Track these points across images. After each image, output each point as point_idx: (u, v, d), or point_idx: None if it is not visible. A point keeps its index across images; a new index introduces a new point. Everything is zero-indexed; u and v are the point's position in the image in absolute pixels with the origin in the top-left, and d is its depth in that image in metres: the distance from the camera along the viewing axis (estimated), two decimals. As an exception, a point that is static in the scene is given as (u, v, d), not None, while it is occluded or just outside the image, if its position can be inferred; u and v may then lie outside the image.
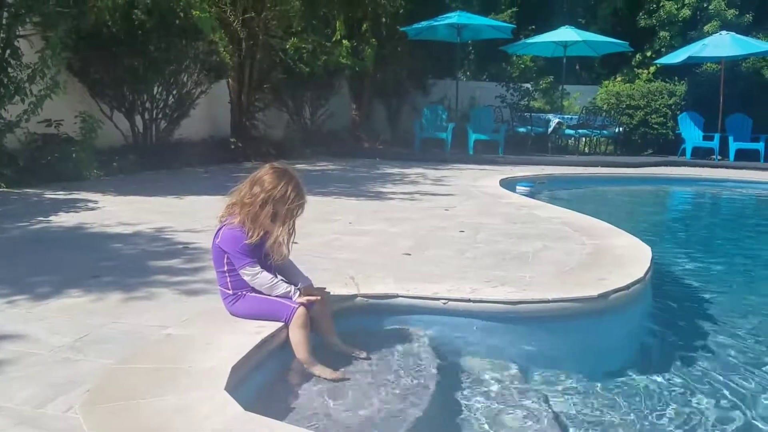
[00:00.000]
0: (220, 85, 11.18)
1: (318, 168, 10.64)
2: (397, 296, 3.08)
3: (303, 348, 2.57)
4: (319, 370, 2.54)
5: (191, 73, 9.85)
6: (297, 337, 2.59)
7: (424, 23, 14.31)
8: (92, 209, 5.73)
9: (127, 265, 3.73)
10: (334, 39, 12.75)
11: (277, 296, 2.68)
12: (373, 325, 3.03)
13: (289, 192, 2.65)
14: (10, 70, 7.17)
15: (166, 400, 1.99)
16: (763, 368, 3.27)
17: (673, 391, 2.97)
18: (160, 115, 9.73)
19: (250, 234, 2.65)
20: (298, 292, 2.70)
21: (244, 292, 2.73)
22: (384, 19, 14.38)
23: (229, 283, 2.74)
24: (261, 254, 2.73)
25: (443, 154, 13.65)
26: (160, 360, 2.30)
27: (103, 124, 8.60)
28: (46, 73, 7.27)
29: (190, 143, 10.64)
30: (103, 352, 2.39)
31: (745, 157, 13.55)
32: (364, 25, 14.26)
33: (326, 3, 11.85)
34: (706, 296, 4.63)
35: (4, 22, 7.11)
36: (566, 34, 14.74)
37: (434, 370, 2.63)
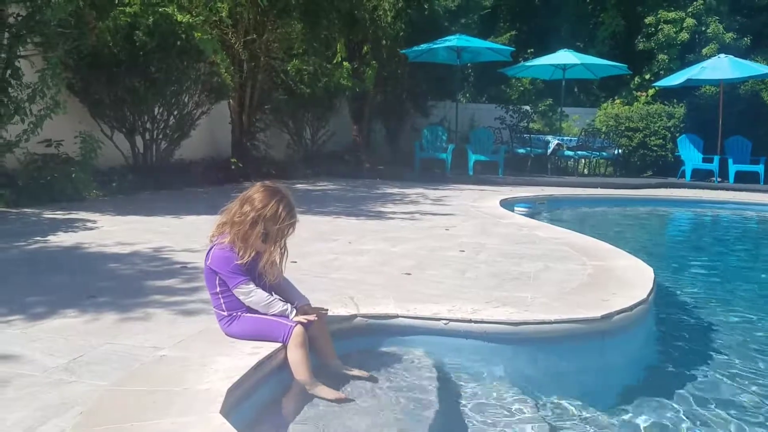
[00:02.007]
0: (221, 106, 11.22)
1: (318, 188, 10.63)
2: (397, 316, 3.04)
3: (303, 368, 2.52)
4: (321, 390, 2.48)
5: (192, 93, 9.88)
6: (296, 356, 2.53)
7: (424, 46, 14.42)
8: (90, 229, 5.70)
9: (123, 286, 3.69)
10: (335, 61, 12.82)
11: (273, 315, 2.63)
12: (373, 345, 2.98)
13: (279, 211, 2.59)
14: (10, 90, 7.18)
15: (159, 423, 1.94)
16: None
17: (676, 413, 2.91)
18: (160, 136, 9.74)
19: (241, 254, 2.61)
20: (295, 311, 2.65)
21: (239, 313, 2.68)
22: (384, 42, 14.50)
23: (223, 305, 2.69)
24: (255, 273, 2.69)
25: (443, 175, 13.66)
26: (155, 382, 2.25)
27: (103, 145, 8.60)
28: (46, 93, 7.27)
29: (191, 164, 10.64)
30: (97, 373, 2.34)
31: (745, 180, 13.56)
32: (365, 48, 14.37)
33: (327, 26, 11.93)
34: (709, 318, 4.57)
35: (5, 42, 7.14)
36: (565, 57, 14.85)
37: (435, 392, 2.58)
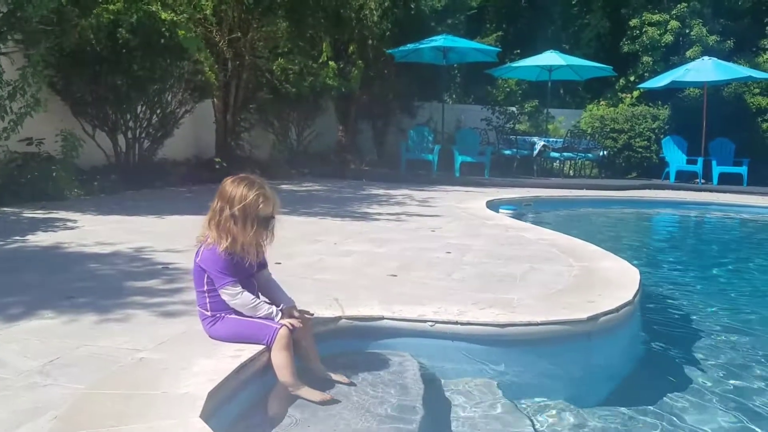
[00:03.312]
0: (205, 105, 11.12)
1: (304, 189, 10.56)
2: (383, 318, 3.00)
3: (287, 371, 2.47)
4: (306, 392, 2.44)
5: (176, 92, 9.79)
6: (280, 359, 2.48)
7: (410, 46, 14.40)
8: (71, 228, 5.60)
9: (103, 286, 3.61)
10: (320, 60, 12.77)
11: (258, 318, 2.59)
12: (358, 347, 2.94)
13: (245, 192, 2.56)
14: (-10, 87, 7.06)
15: (137, 428, 1.89)
16: (756, 389, 3.21)
17: (662, 415, 2.90)
18: (143, 135, 9.64)
19: (222, 244, 2.56)
20: (280, 314, 2.61)
21: (223, 314, 2.63)
22: (371, 42, 14.46)
23: (208, 305, 2.64)
24: (244, 275, 2.64)
25: (429, 176, 13.64)
26: (133, 385, 2.19)
27: (84, 143, 8.48)
28: (26, 91, 7.16)
29: (174, 163, 10.54)
30: (73, 376, 2.28)
31: (728, 181, 13.68)
32: (351, 47, 14.31)
33: (313, 25, 11.87)
34: (695, 318, 4.59)
35: (-15, 39, 7.02)
36: (551, 58, 14.91)
37: (420, 394, 2.54)
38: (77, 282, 3.69)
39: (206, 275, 2.63)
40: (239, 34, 11.05)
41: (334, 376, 2.61)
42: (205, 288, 2.64)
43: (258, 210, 2.57)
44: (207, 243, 2.62)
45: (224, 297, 2.60)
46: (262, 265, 2.79)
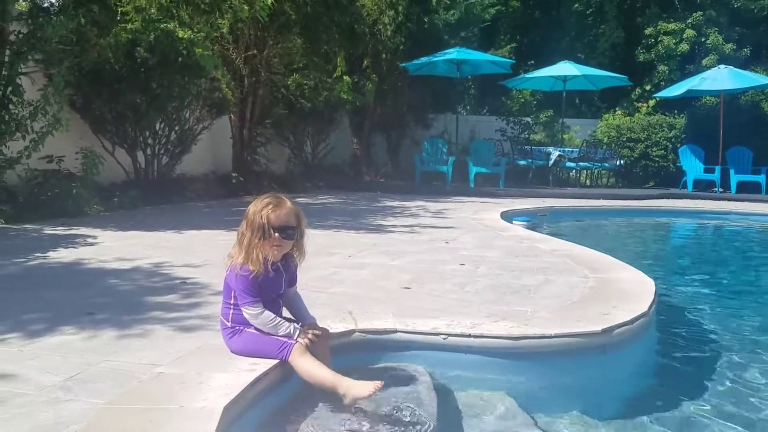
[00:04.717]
0: (222, 121, 11.27)
1: (319, 201, 10.63)
2: (396, 331, 3.02)
3: (319, 372, 2.50)
4: (351, 387, 2.44)
5: (193, 109, 9.95)
6: (304, 366, 2.52)
7: (424, 59, 14.49)
8: (91, 245, 5.70)
9: (122, 302, 3.68)
10: (335, 75, 12.89)
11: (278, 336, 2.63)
12: (372, 361, 2.96)
13: (257, 203, 2.63)
14: (11, 107, 7.22)
15: (155, 441, 1.92)
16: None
17: (677, 429, 2.88)
18: (162, 151, 9.79)
19: (237, 257, 2.62)
20: (298, 331, 2.64)
21: (242, 328, 2.68)
22: (385, 56, 14.58)
23: (231, 315, 2.69)
24: (270, 294, 2.69)
25: (444, 187, 13.67)
26: (151, 400, 2.23)
27: (104, 160, 8.62)
28: (48, 111, 7.32)
29: (192, 178, 10.67)
30: (93, 391, 2.33)
31: (747, 189, 13.55)
32: (365, 62, 14.44)
33: (327, 40, 12.00)
34: (712, 330, 4.54)
35: (6, 59, 7.18)
36: (565, 68, 14.91)
37: (434, 407, 2.56)
38: (97, 298, 3.76)
39: (233, 291, 2.68)
40: (255, 51, 11.21)
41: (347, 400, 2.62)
42: (232, 302, 2.69)
43: (266, 218, 2.60)
44: (233, 262, 2.67)
45: (245, 315, 2.65)
46: (292, 282, 2.83)
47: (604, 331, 3.09)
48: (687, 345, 4.23)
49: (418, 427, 2.40)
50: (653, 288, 4.00)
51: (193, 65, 9.10)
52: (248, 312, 2.63)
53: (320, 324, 2.79)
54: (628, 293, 3.93)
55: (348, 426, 2.37)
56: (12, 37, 7.21)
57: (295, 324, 2.68)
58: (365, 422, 2.40)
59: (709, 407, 3.16)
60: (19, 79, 7.28)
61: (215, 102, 10.25)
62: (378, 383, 2.45)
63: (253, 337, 2.65)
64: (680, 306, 5.23)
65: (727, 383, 3.50)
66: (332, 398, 2.52)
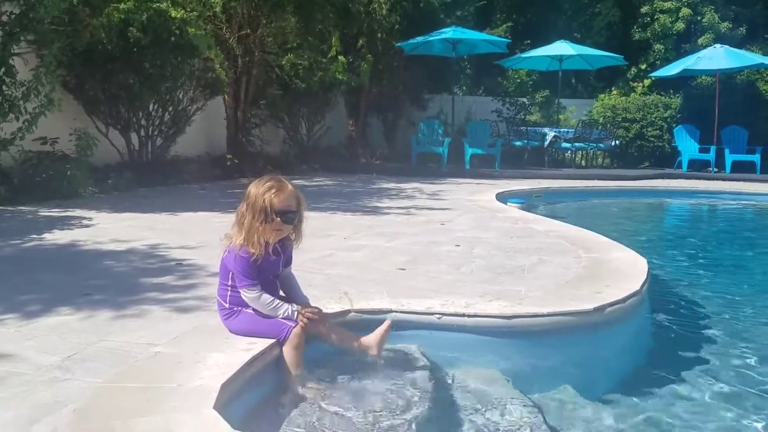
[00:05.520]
0: (215, 102, 11.21)
1: (314, 183, 10.63)
2: (391, 311, 3.05)
3: (296, 368, 2.56)
4: (307, 388, 2.51)
5: (187, 89, 9.88)
6: (291, 356, 2.58)
7: (419, 38, 14.40)
8: (86, 226, 5.70)
9: (118, 283, 3.69)
10: (330, 55, 12.80)
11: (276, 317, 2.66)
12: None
13: (258, 186, 2.64)
14: (4, 87, 7.17)
15: (153, 419, 1.95)
16: (764, 384, 3.23)
17: (669, 406, 2.93)
18: (155, 132, 9.74)
19: (237, 239, 2.63)
20: (297, 313, 2.67)
21: (240, 309, 2.70)
22: (380, 35, 14.47)
23: (228, 297, 2.72)
24: (268, 275, 2.72)
25: (439, 169, 13.67)
26: (148, 379, 2.26)
27: (98, 142, 8.59)
28: (40, 91, 7.27)
29: (186, 160, 10.64)
30: (90, 371, 2.35)
31: (741, 169, 13.59)
32: (360, 41, 14.33)
33: (322, 20, 11.90)
34: (704, 308, 4.60)
35: (-2, 40, 7.13)
36: (561, 48, 14.85)
37: (428, 385, 2.60)
38: (93, 279, 3.77)
39: (231, 273, 2.69)
40: (249, 31, 11.11)
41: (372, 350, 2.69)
42: (230, 283, 2.71)
43: (269, 202, 2.60)
44: (232, 243, 2.68)
45: (244, 297, 2.67)
46: (288, 263, 2.85)
47: (596, 310, 3.13)
48: (679, 322, 4.28)
49: (412, 406, 2.43)
50: (646, 267, 4.03)
51: (186, 45, 9.02)
52: (247, 295, 2.65)
53: (316, 305, 2.82)
54: (620, 272, 3.96)
55: (341, 405, 2.40)
56: (4, 18, 7.14)
57: (293, 306, 2.70)
58: (358, 402, 2.44)
59: (700, 384, 3.21)
60: (12, 60, 7.22)
61: (209, 82, 10.19)
62: (321, 394, 2.49)
63: (251, 318, 2.68)
64: (673, 285, 5.28)
65: (718, 361, 3.55)
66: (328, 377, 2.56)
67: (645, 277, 3.79)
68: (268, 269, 2.71)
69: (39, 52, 7.65)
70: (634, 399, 2.98)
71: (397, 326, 2.95)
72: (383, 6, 13.86)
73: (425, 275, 3.94)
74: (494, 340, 2.99)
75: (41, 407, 2.05)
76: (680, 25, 17.07)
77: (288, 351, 2.58)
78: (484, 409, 2.66)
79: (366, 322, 3.02)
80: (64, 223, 5.86)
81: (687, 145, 14.50)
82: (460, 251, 4.79)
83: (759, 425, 2.79)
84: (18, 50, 7.32)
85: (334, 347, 2.74)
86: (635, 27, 18.05)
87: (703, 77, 15.45)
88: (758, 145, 13.75)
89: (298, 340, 2.58)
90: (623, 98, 16.62)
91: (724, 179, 12.99)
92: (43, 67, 7.24)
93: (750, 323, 4.30)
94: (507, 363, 2.95)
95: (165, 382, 2.22)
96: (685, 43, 16.88)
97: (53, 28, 7.37)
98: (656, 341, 3.90)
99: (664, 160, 15.10)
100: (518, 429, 2.47)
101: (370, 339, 2.70)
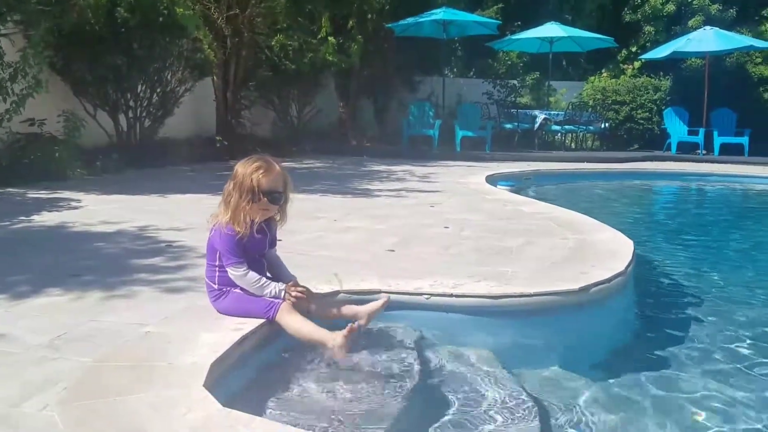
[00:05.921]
0: (204, 83, 11.13)
1: (304, 166, 10.61)
2: (380, 292, 3.08)
3: (306, 327, 2.59)
4: (338, 335, 2.53)
5: (175, 71, 9.80)
6: (291, 322, 2.60)
7: (410, 19, 14.30)
8: (75, 208, 5.69)
9: (108, 264, 3.70)
10: (319, 36, 12.71)
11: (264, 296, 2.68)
12: (356, 321, 3.01)
13: (245, 165, 2.65)
14: (-9, 68, 7.11)
15: (143, 397, 1.98)
16: (746, 361, 3.29)
17: (653, 384, 2.99)
18: (144, 114, 9.67)
19: (223, 217, 2.65)
20: (283, 291, 2.69)
21: (228, 289, 2.72)
22: (370, 16, 14.34)
23: (217, 278, 2.74)
24: (254, 254, 2.74)
25: (430, 151, 13.65)
26: (138, 358, 2.28)
27: (86, 123, 8.53)
28: (28, 72, 7.21)
29: (175, 142, 10.57)
30: (80, 350, 2.37)
31: (730, 152, 13.66)
32: (350, 22, 14.21)
33: (311, 0, 11.81)
34: (689, 289, 4.66)
35: (-16, 20, 7.04)
36: (552, 30, 14.81)
37: (416, 364, 2.63)
38: (83, 260, 3.78)
39: (218, 252, 2.71)
40: (237, 11, 11.00)
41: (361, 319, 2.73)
42: (217, 263, 2.73)
43: (257, 182, 2.62)
44: (218, 221, 2.69)
45: (230, 275, 2.69)
46: (273, 242, 2.88)
47: (582, 290, 3.17)
48: (664, 301, 4.35)
49: (401, 383, 2.47)
50: (631, 248, 4.08)
51: (175, 25, 8.94)
52: (233, 273, 2.68)
53: (305, 284, 2.84)
54: (607, 253, 4.01)
55: (329, 386, 2.44)
56: (-11, -2, 7.06)
57: (280, 285, 2.72)
58: (348, 381, 2.47)
59: (683, 360, 3.28)
60: (-2, 40, 7.15)
61: (197, 63, 10.10)
62: (353, 325, 2.56)
63: (239, 297, 2.70)
64: (659, 264, 5.34)
65: (704, 338, 3.62)
66: (317, 353, 2.59)
67: (630, 257, 3.83)
68: (254, 247, 2.74)
69: (26, 33, 7.56)
70: (619, 376, 3.03)
71: (387, 306, 2.99)
72: (373, -14, 13.74)
73: (415, 257, 3.98)
74: (482, 319, 3.03)
75: (31, 386, 2.07)
76: (671, 7, 17.03)
77: (285, 319, 2.60)
78: (470, 387, 2.70)
79: (355, 302, 3.04)
80: (52, 204, 5.84)
81: (676, 128, 14.55)
82: (450, 233, 4.82)
83: (738, 394, 2.86)
84: (5, 31, 7.24)
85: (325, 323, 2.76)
86: (626, 9, 18.00)
87: (693, 59, 15.47)
88: (747, 127, 13.80)
89: (288, 307, 2.62)
90: (613, 80, 16.62)
91: (712, 161, 13.05)
92: (30, 48, 7.17)
93: (733, 301, 4.37)
94: (494, 341, 3.00)
95: (155, 361, 2.24)
96: (675, 25, 16.86)
97: (40, 9, 7.29)
98: (641, 320, 3.96)
99: (654, 142, 15.15)
100: (504, 405, 2.52)
101: (363, 308, 2.77)
